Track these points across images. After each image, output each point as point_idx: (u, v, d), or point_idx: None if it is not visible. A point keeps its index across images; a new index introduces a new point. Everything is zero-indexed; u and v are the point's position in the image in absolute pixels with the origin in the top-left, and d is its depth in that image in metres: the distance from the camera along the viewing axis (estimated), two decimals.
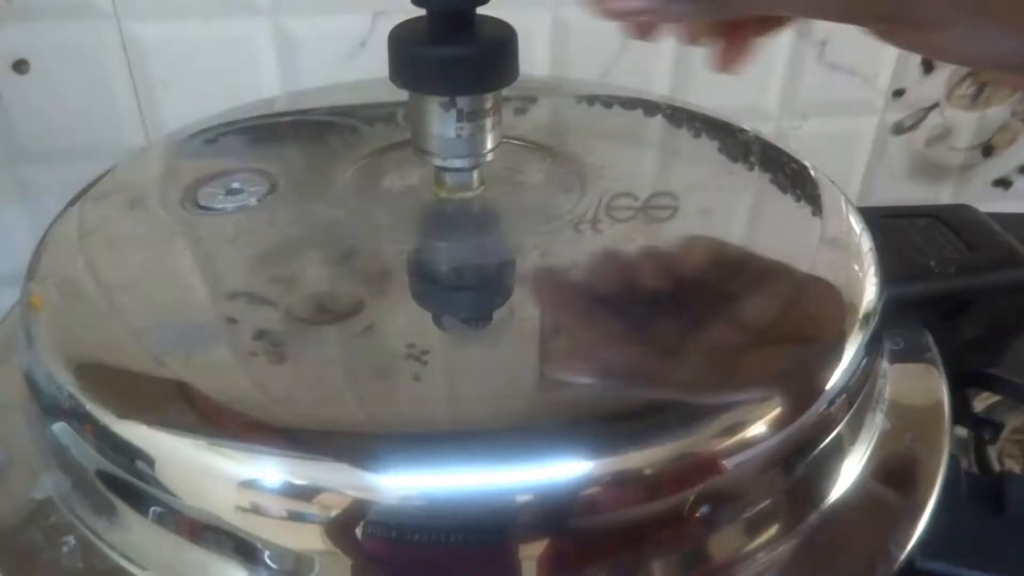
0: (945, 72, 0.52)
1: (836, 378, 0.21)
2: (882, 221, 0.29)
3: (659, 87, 0.49)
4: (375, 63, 0.44)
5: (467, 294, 0.24)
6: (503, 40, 0.24)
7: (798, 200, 0.28)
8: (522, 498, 0.18)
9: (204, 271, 0.24)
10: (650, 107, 0.35)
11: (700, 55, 0.47)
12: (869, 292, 0.24)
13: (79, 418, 0.20)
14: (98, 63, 0.42)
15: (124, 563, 0.20)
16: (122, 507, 0.20)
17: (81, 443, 0.20)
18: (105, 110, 0.43)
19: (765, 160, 0.31)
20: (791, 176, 0.30)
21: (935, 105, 0.54)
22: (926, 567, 0.22)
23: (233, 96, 0.43)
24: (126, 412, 0.19)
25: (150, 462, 0.19)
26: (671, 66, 0.48)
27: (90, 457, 0.20)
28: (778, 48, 0.49)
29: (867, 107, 0.53)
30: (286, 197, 0.27)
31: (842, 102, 0.52)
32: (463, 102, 0.24)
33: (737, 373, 0.21)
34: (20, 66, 0.41)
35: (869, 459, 0.24)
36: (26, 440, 0.24)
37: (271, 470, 0.18)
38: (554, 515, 0.19)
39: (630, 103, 0.35)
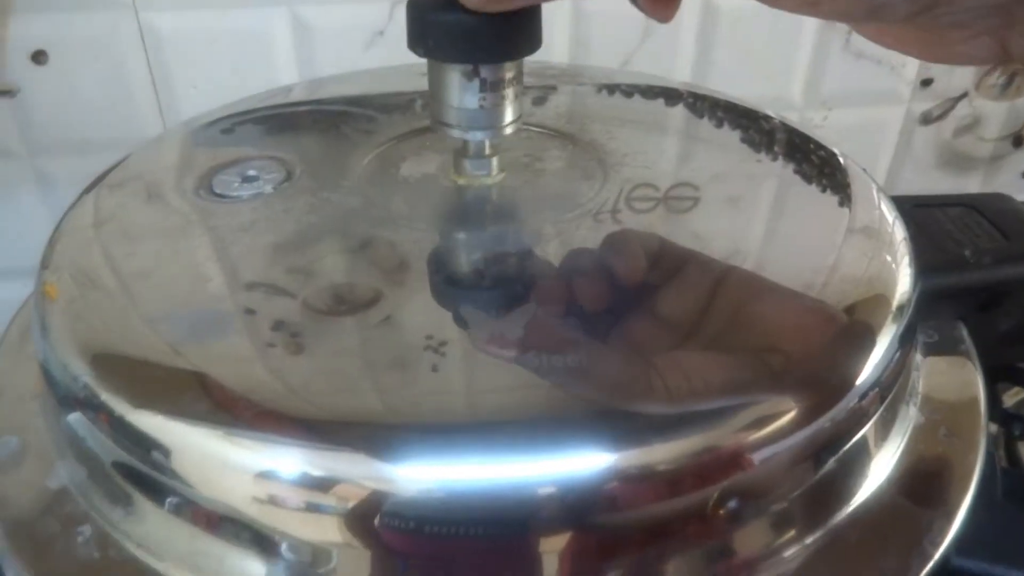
0: None
1: (868, 372, 0.21)
2: (914, 210, 0.29)
3: (680, 76, 0.48)
4: (393, 53, 0.44)
5: (486, 284, 0.24)
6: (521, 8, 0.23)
7: (827, 188, 0.27)
8: (543, 491, 0.18)
9: (220, 260, 0.24)
10: (672, 94, 0.34)
11: (723, 45, 0.47)
12: (903, 283, 0.23)
13: (94, 408, 0.20)
14: (116, 54, 0.42)
15: (140, 553, 0.20)
16: (138, 497, 0.20)
17: (96, 433, 0.20)
18: (123, 101, 0.43)
19: (793, 147, 0.30)
20: (820, 164, 0.29)
21: (964, 95, 0.53)
22: (961, 565, 0.22)
23: (250, 86, 0.43)
24: (142, 402, 0.19)
25: (166, 453, 0.19)
26: (693, 56, 0.48)
27: (106, 447, 0.20)
28: (803, 37, 0.48)
29: (894, 97, 0.52)
30: (302, 185, 0.27)
31: (868, 92, 0.51)
32: (486, 71, 0.23)
33: (766, 365, 0.20)
34: (39, 57, 0.41)
35: (902, 454, 0.23)
36: (41, 429, 0.23)
37: (288, 461, 0.18)
38: (575, 509, 0.18)
39: (652, 91, 0.34)
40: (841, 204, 0.26)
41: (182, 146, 0.31)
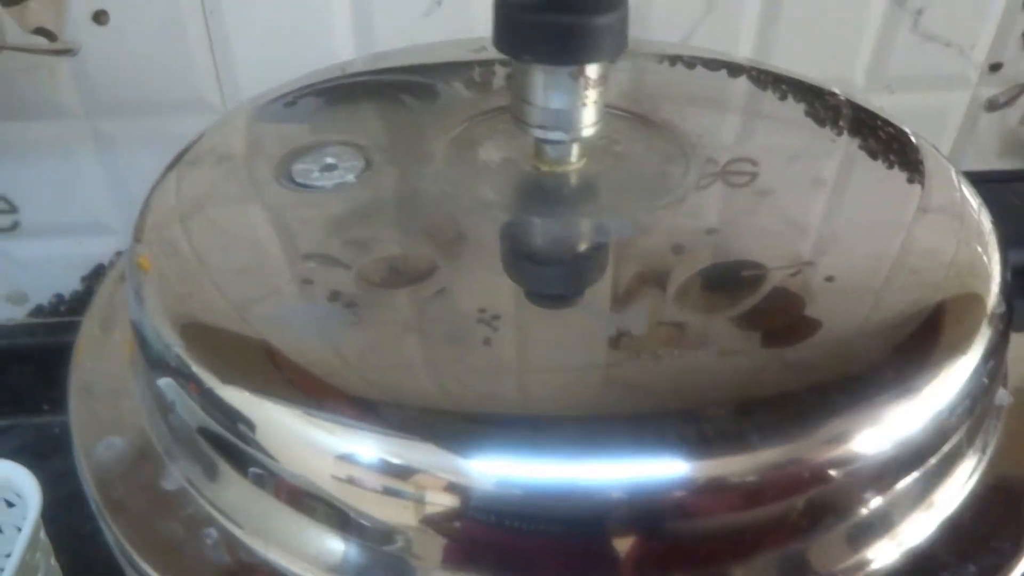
0: None
1: (962, 382, 0.20)
2: (980, 187, 0.27)
3: (741, 54, 0.47)
4: (450, 21, 0.44)
5: (583, 275, 0.23)
6: (620, 1, 0.23)
7: (906, 170, 0.26)
8: (615, 494, 0.18)
9: (304, 247, 0.24)
10: (737, 70, 0.33)
11: (786, 23, 0.46)
12: (995, 274, 0.22)
13: (185, 377, 0.20)
14: (176, 16, 0.42)
15: (222, 519, 0.20)
16: (222, 465, 0.20)
17: (186, 399, 0.21)
18: (180, 64, 0.43)
19: (865, 126, 0.29)
20: (894, 144, 0.28)
21: None
22: None
23: (307, 54, 0.43)
24: (230, 377, 0.19)
25: (251, 426, 0.19)
26: (755, 33, 0.47)
27: (193, 414, 0.20)
28: (870, 17, 0.47)
29: (960, 81, 0.50)
30: (384, 172, 0.26)
31: (934, 75, 0.49)
32: (589, 72, 0.23)
33: (853, 372, 0.20)
34: (100, 17, 0.41)
35: (993, 445, 0.22)
36: (143, 427, 0.24)
37: (369, 446, 0.18)
38: (648, 514, 0.18)
39: (715, 65, 0.33)
40: (922, 187, 0.26)
41: (254, 125, 0.30)
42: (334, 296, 0.22)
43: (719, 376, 0.19)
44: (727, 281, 0.22)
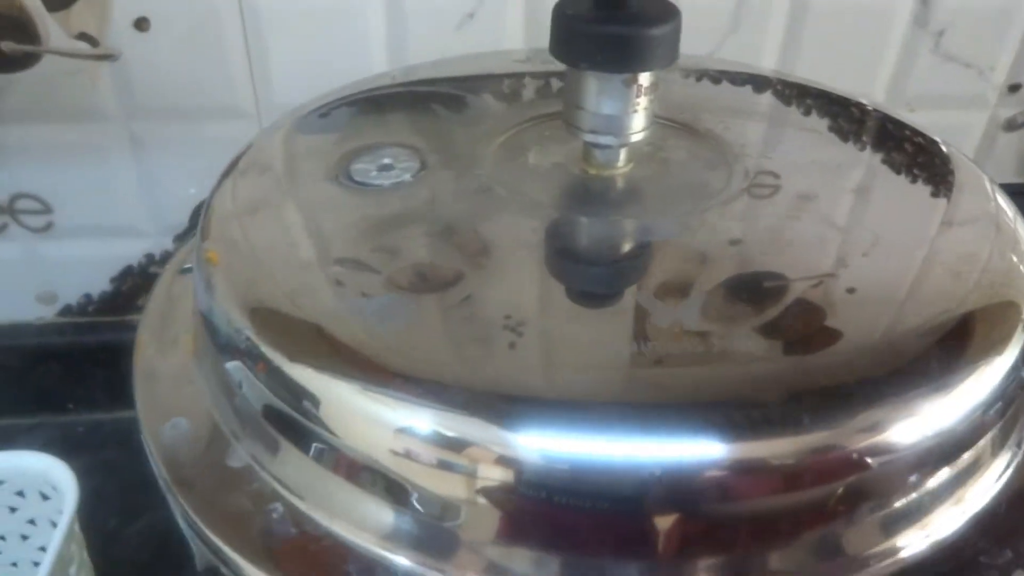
0: None
1: (996, 381, 0.21)
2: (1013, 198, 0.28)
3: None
4: (482, 35, 0.45)
5: (629, 270, 0.24)
6: (674, 13, 0.24)
7: (942, 181, 0.27)
8: (658, 472, 0.18)
9: (362, 241, 0.25)
10: (766, 83, 0.34)
11: (810, 41, 0.47)
12: None
13: (253, 359, 0.21)
14: (215, 25, 0.43)
15: (286, 494, 0.21)
16: (285, 443, 0.21)
17: (252, 380, 0.21)
18: (217, 72, 0.44)
19: (895, 137, 0.30)
20: (927, 154, 0.29)
21: None
22: None
23: (341, 64, 0.44)
24: (295, 356, 0.21)
25: (315, 403, 0.20)
26: (778, 50, 0.47)
27: (260, 394, 0.21)
28: (892, 35, 0.47)
29: (979, 101, 0.51)
30: (438, 173, 0.27)
31: (953, 95, 0.50)
32: (644, 78, 0.24)
33: (893, 366, 0.20)
34: (141, 24, 0.43)
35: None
36: (207, 411, 0.25)
37: (424, 421, 0.19)
38: (689, 493, 0.19)
39: (749, 78, 0.34)
40: (956, 195, 0.26)
41: (303, 131, 0.32)
42: (391, 284, 0.23)
43: (764, 364, 0.20)
44: (771, 279, 0.23)
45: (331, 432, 0.20)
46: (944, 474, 0.21)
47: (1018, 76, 0.50)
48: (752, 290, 0.23)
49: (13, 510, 0.37)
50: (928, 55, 0.48)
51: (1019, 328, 0.21)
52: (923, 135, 0.30)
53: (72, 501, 0.34)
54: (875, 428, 0.19)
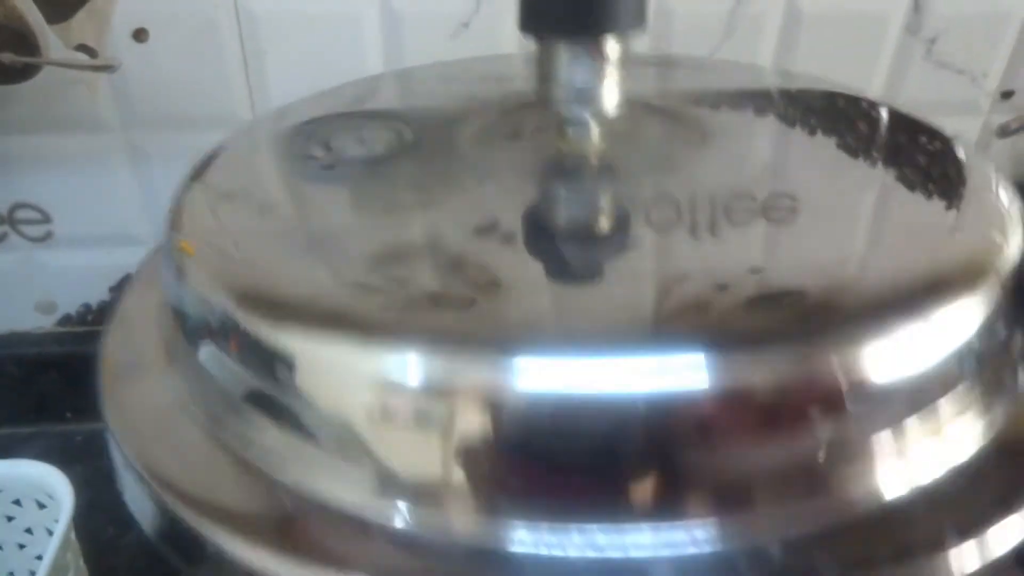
0: None
1: (974, 320, 0.21)
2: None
3: None
4: (477, 44, 0.45)
5: (606, 218, 0.25)
6: None
7: (930, 159, 0.28)
8: (639, 403, 0.19)
9: (335, 211, 0.26)
10: (763, 74, 0.35)
11: (804, 48, 0.47)
12: (1013, 248, 0.23)
13: (227, 334, 0.22)
14: (212, 36, 0.43)
15: (267, 469, 0.22)
16: (262, 421, 0.22)
17: (226, 361, 0.22)
18: (215, 80, 0.45)
19: (884, 124, 0.31)
20: (913, 137, 0.30)
21: None
22: None
23: (337, 71, 0.44)
24: (271, 320, 0.21)
25: (292, 366, 0.20)
26: (772, 57, 0.48)
27: (233, 375, 0.22)
28: (885, 42, 0.48)
29: (972, 108, 0.51)
30: (412, 147, 0.28)
31: (946, 101, 0.51)
32: (602, 46, 0.25)
33: (870, 297, 0.21)
34: (140, 35, 0.43)
35: (1004, 421, 0.23)
36: (178, 401, 0.25)
37: (406, 367, 0.19)
38: (670, 421, 0.19)
39: (743, 70, 0.35)
40: (949, 178, 0.27)
41: (276, 125, 0.33)
42: (363, 250, 0.23)
43: (740, 289, 0.21)
44: (747, 219, 0.24)
45: (310, 396, 0.20)
46: (926, 417, 0.21)
47: (1010, 83, 0.50)
48: (733, 227, 0.23)
49: (10, 519, 0.38)
50: (921, 62, 0.49)
51: (995, 281, 0.22)
52: (902, 114, 0.31)
53: (68, 509, 0.34)
54: (858, 354, 0.19)
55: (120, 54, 0.43)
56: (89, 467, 0.47)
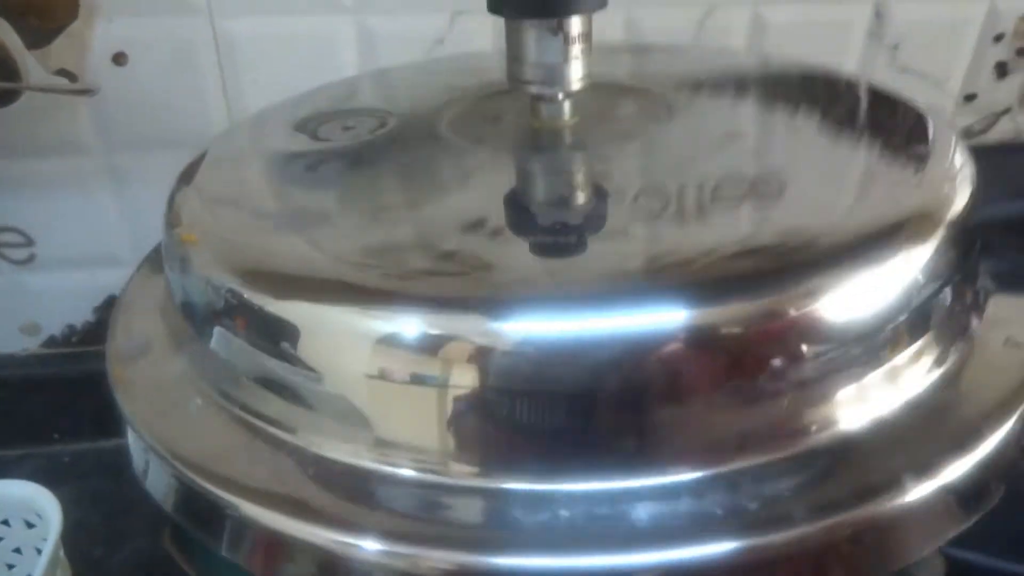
0: (1018, 77, 0.52)
1: (928, 263, 0.22)
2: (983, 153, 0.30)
3: None
4: None
5: (582, 177, 0.28)
6: None
7: (900, 135, 0.30)
8: (620, 347, 0.20)
9: (329, 189, 0.28)
10: (736, 56, 0.37)
11: (773, 46, 0.48)
12: (960, 198, 0.24)
13: (231, 313, 0.23)
14: (191, 57, 0.44)
15: (275, 436, 0.23)
16: (270, 393, 0.23)
17: (233, 341, 0.23)
18: (194, 102, 0.45)
19: (869, 97, 0.34)
20: (871, 103, 0.32)
21: (1007, 110, 0.53)
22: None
23: None
24: (273, 291, 0.22)
25: (297, 335, 0.22)
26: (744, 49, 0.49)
27: (242, 354, 0.23)
28: (850, 49, 0.49)
29: (936, 111, 0.52)
30: (396, 130, 0.30)
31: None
32: (566, 26, 0.26)
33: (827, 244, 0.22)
34: (119, 58, 0.44)
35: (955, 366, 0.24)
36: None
37: (406, 326, 0.21)
38: (648, 371, 0.20)
39: (717, 54, 0.38)
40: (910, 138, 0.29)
41: (261, 124, 0.35)
42: (360, 221, 0.26)
43: (711, 245, 0.23)
44: (716, 184, 0.26)
45: (311, 368, 0.22)
46: (884, 356, 0.22)
47: (973, 86, 0.52)
48: (701, 191, 0.25)
49: None
50: (885, 68, 0.50)
51: (943, 226, 0.23)
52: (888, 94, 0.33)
53: (56, 527, 0.34)
54: (818, 292, 0.21)
55: (100, 78, 0.44)
56: (77, 488, 0.47)
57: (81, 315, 0.52)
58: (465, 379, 0.20)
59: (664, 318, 0.20)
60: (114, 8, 0.42)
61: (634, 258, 0.23)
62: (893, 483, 0.20)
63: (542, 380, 0.20)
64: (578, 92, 0.28)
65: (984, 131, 0.54)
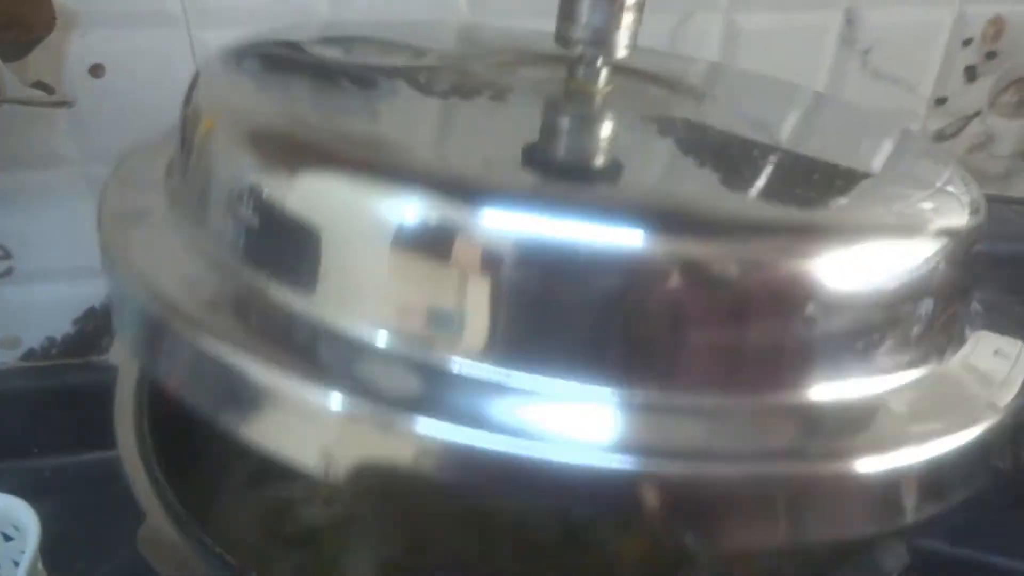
0: (989, 81, 0.53)
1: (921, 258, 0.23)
2: None
3: None
4: (427, 5, 0.46)
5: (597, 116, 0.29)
6: None
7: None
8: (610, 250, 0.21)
9: (353, 79, 0.30)
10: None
11: (744, 64, 0.49)
12: (967, 213, 0.26)
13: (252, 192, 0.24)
14: (167, 68, 0.44)
15: (292, 307, 0.23)
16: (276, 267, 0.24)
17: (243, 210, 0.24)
18: (172, 113, 0.45)
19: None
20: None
21: (977, 113, 0.54)
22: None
23: None
24: (289, 164, 0.23)
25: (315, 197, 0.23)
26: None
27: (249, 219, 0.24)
28: (823, 54, 0.50)
29: (910, 115, 0.53)
30: (432, 61, 0.32)
31: (884, 110, 0.53)
32: None
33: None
34: (96, 70, 0.44)
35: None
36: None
37: (415, 207, 0.21)
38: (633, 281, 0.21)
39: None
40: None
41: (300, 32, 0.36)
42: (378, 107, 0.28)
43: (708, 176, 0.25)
44: (738, 159, 0.27)
45: (326, 229, 0.22)
46: (862, 336, 0.22)
47: (944, 90, 0.53)
48: (722, 160, 0.27)
49: None
50: (858, 72, 0.51)
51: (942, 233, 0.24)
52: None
53: (34, 539, 0.34)
54: (813, 251, 0.21)
55: (76, 90, 0.44)
56: (58, 501, 0.47)
57: (60, 327, 0.52)
58: (463, 256, 0.21)
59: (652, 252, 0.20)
60: (91, 20, 0.42)
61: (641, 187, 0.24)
62: (846, 455, 0.21)
63: (538, 273, 0.21)
64: (619, 62, 0.29)
65: (955, 134, 0.55)
